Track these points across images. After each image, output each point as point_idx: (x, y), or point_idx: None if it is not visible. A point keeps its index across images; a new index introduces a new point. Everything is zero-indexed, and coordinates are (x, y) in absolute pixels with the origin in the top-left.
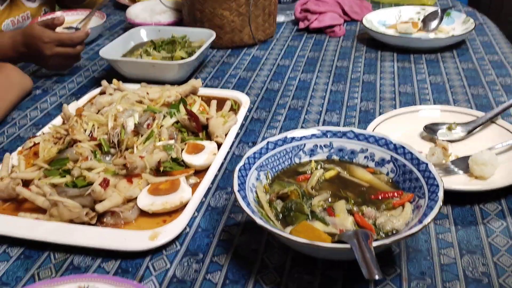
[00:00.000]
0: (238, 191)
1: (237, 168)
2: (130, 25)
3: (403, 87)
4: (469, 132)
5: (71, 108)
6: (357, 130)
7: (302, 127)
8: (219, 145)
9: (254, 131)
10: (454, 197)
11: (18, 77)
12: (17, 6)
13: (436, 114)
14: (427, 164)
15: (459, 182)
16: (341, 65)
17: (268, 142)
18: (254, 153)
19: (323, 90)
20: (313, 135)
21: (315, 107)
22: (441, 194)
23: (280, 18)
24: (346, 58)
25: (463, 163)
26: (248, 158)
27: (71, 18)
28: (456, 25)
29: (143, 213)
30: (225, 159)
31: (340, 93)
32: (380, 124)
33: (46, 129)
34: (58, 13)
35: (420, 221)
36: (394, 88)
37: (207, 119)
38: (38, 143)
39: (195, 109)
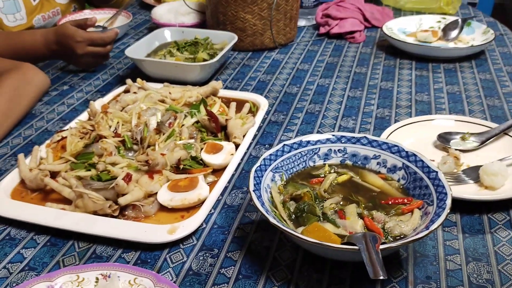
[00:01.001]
0: (254, 191)
1: (253, 169)
2: (154, 25)
3: (420, 95)
4: (482, 143)
5: (97, 104)
6: (370, 137)
7: (318, 131)
8: (236, 146)
9: (271, 134)
10: (463, 206)
11: (36, 76)
12: (48, 2)
13: (451, 124)
14: (437, 173)
15: (469, 191)
16: (360, 71)
17: (284, 145)
18: (270, 155)
19: (340, 96)
20: (327, 140)
21: (332, 112)
22: (449, 202)
23: (302, 22)
24: (365, 65)
25: (474, 172)
26: (264, 159)
27: (99, 16)
28: (476, 35)
29: (162, 208)
30: (242, 159)
31: (357, 99)
32: (395, 132)
33: (73, 124)
34: (87, 12)
35: (427, 227)
36: (410, 96)
37: (226, 120)
38: (66, 137)
39: (215, 110)
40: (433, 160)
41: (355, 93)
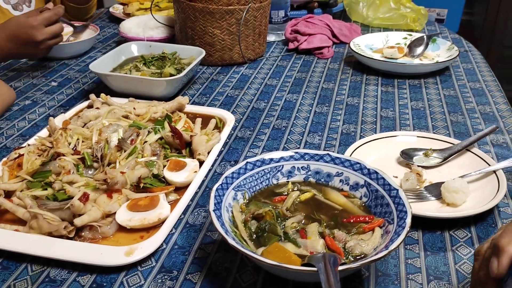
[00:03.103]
0: (214, 210)
1: (214, 188)
2: (123, 39)
3: (385, 111)
4: (445, 159)
5: (59, 120)
6: (333, 154)
7: (284, 147)
8: (201, 163)
9: (237, 150)
10: (425, 223)
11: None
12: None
13: (413, 140)
14: (397, 191)
15: (430, 208)
16: (327, 87)
17: (247, 162)
18: (233, 173)
19: (307, 111)
20: (291, 157)
21: (298, 128)
22: (408, 221)
23: (271, 38)
24: (332, 80)
25: (436, 189)
26: (226, 178)
27: (65, 30)
28: (441, 51)
29: (121, 229)
30: (206, 176)
31: (324, 115)
32: (359, 148)
33: (32, 140)
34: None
35: (386, 247)
36: (376, 112)
37: (191, 136)
38: (23, 155)
39: (179, 126)
40: (396, 177)
41: (322, 109)
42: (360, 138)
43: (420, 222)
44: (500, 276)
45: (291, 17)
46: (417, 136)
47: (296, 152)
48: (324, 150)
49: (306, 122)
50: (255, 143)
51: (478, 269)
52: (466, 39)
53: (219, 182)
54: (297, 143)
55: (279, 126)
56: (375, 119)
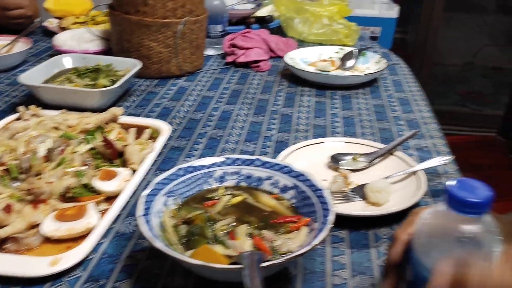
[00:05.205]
0: (142, 215)
1: (143, 194)
2: (57, 53)
3: (317, 120)
4: (370, 162)
5: None
6: (263, 159)
7: (220, 155)
8: (135, 172)
9: (172, 159)
10: (352, 222)
11: None
12: None
13: (341, 145)
14: (322, 191)
15: (356, 208)
16: (263, 98)
17: (178, 168)
18: (163, 179)
19: (243, 121)
20: (222, 163)
21: (234, 137)
22: (330, 218)
23: (210, 51)
24: (268, 92)
25: (362, 190)
26: (156, 184)
27: None
28: (371, 64)
29: (48, 240)
30: (140, 186)
31: (259, 124)
32: (291, 154)
33: None
34: None
35: (309, 243)
36: (309, 121)
37: (124, 146)
38: None
39: (112, 136)
40: (326, 180)
41: (257, 119)
42: (296, 144)
43: (347, 222)
44: (395, 262)
45: (229, 31)
46: (345, 142)
47: (227, 158)
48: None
49: (241, 131)
50: (191, 152)
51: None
52: (399, 56)
53: (149, 188)
54: (233, 151)
55: (215, 136)
56: (308, 128)
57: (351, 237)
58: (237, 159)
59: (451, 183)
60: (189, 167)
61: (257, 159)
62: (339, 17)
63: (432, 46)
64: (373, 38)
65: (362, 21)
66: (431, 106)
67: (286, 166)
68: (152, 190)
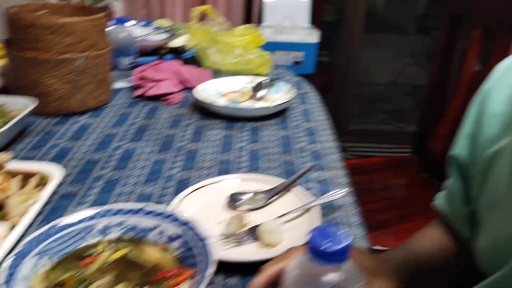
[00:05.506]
0: (4, 283)
1: (8, 257)
2: None
3: (223, 155)
4: (269, 199)
5: None
6: (149, 207)
7: (116, 200)
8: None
9: (61, 208)
10: (245, 267)
11: None
12: None
13: (238, 183)
14: (204, 240)
15: (249, 251)
16: (170, 133)
17: (51, 226)
18: (32, 239)
19: (145, 160)
20: (104, 215)
21: (133, 178)
22: (210, 269)
23: (119, 85)
24: (177, 126)
25: (255, 232)
26: (24, 244)
27: None
28: (282, 94)
29: None
30: (20, 242)
31: (162, 162)
32: (188, 196)
33: None
34: None
35: None
36: (215, 156)
37: (7, 197)
38: None
39: None
40: (222, 222)
41: (161, 156)
42: (194, 185)
43: (239, 268)
44: None
45: (138, 64)
46: (241, 179)
47: (110, 208)
48: (157, 199)
49: (142, 172)
50: (83, 199)
51: None
52: (323, 79)
53: (15, 251)
54: (130, 194)
55: (113, 178)
56: (213, 164)
57: (243, 284)
58: (121, 209)
59: (311, 232)
60: (66, 224)
61: (141, 208)
62: (252, 46)
63: (355, 67)
64: (296, 63)
65: (284, 47)
66: (358, 125)
67: (172, 214)
68: (19, 251)
